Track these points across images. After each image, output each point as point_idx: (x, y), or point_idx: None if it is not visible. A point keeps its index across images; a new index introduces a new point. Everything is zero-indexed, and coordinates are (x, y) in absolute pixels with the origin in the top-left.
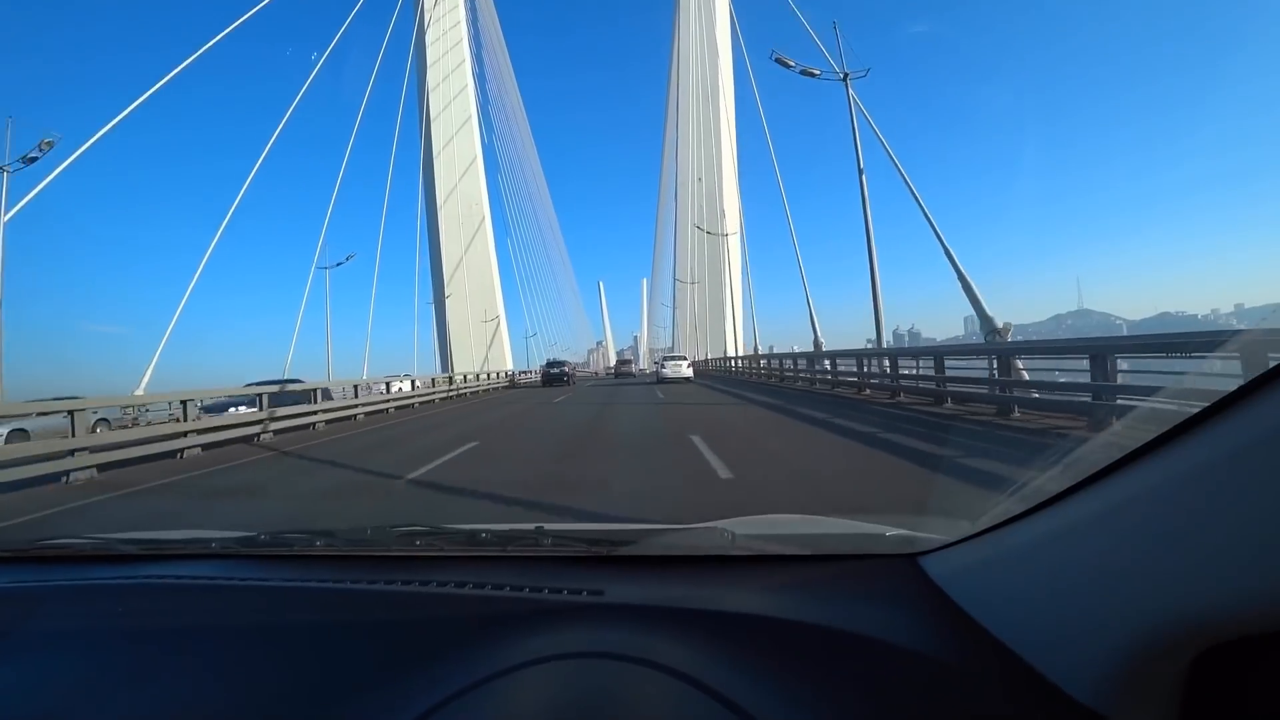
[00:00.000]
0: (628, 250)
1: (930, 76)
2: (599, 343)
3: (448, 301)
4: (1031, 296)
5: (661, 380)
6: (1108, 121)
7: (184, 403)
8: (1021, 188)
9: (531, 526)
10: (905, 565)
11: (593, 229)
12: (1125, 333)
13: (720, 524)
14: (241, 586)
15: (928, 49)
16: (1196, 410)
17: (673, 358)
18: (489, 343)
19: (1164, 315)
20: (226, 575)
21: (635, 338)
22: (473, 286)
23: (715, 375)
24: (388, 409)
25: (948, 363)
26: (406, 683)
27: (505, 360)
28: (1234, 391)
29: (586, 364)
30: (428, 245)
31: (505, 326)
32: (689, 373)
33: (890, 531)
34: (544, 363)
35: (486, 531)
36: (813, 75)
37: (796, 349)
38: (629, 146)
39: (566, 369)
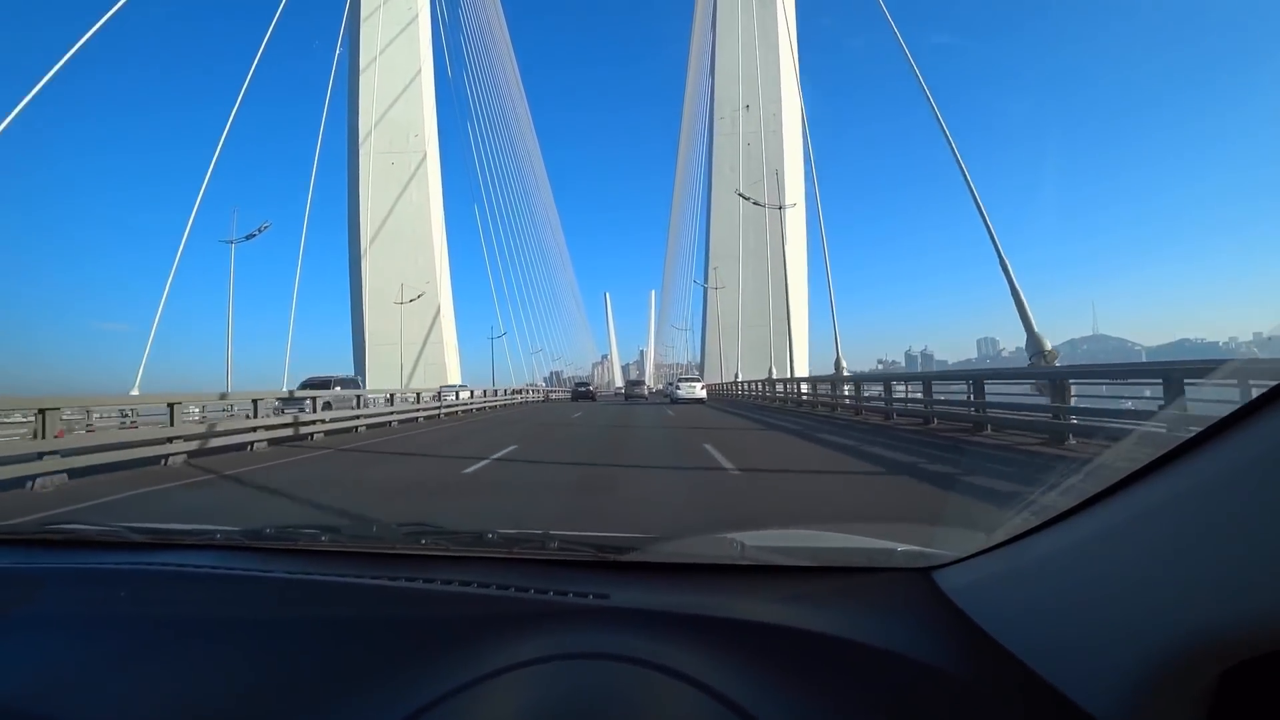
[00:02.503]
0: (635, 264)
1: (949, 88)
2: (604, 356)
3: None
4: (1044, 320)
5: (675, 400)
6: (1127, 148)
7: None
8: (1038, 205)
9: (539, 531)
10: (918, 579)
11: (597, 241)
12: (1144, 359)
13: (730, 535)
14: (244, 577)
15: (948, 63)
16: (1218, 419)
17: (686, 379)
18: (423, 341)
19: (1183, 341)
20: (230, 566)
21: (641, 352)
22: (401, 256)
23: (728, 399)
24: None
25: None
26: (407, 677)
27: (449, 370)
28: (1257, 398)
29: (591, 379)
30: (346, 188)
31: (450, 319)
32: (702, 394)
33: (901, 547)
34: (547, 379)
35: (493, 533)
36: None
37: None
38: (634, 151)
39: (590, 388)
